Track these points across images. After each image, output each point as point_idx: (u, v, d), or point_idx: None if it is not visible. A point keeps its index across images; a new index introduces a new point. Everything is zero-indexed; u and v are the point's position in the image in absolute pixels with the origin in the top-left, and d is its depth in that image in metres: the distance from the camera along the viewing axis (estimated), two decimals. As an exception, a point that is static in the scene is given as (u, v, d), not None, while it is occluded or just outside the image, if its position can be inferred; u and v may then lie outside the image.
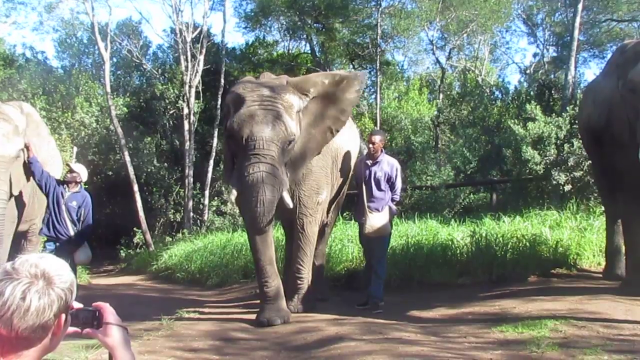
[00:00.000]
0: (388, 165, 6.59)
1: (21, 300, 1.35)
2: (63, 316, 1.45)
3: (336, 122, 6.17)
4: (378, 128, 17.17)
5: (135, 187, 16.12)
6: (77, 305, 1.59)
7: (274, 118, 5.32)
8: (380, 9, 17.55)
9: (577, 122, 9.98)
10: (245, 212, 5.21)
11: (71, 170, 6.85)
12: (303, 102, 5.85)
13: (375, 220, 6.36)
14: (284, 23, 19.69)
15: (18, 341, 1.38)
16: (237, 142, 5.31)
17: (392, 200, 6.62)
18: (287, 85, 5.81)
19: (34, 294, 1.37)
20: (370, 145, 6.55)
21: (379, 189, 6.49)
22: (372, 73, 20.17)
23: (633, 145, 5.62)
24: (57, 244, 6.70)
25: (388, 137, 19.11)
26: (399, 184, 6.66)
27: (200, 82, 17.70)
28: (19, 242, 6.86)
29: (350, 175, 7.07)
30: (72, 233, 6.77)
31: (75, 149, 12.55)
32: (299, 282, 6.41)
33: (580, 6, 13.36)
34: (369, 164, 6.56)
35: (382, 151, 6.64)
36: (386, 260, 6.83)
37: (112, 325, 1.65)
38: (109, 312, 1.67)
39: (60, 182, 6.88)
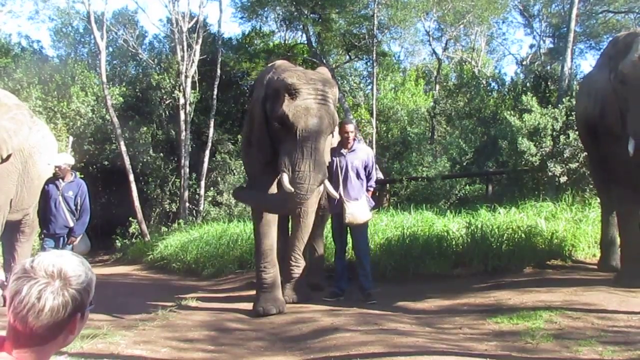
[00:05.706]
0: (365, 153, 6.55)
1: (36, 300, 1.39)
2: (78, 315, 1.47)
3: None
4: (373, 119, 17.17)
5: (131, 177, 16.09)
6: None
7: (325, 112, 5.50)
8: (376, 0, 17.47)
9: (573, 113, 9.98)
10: (290, 193, 5.42)
11: (58, 166, 6.85)
12: None
13: (356, 209, 6.26)
14: (280, 13, 19.56)
15: (32, 337, 1.42)
16: (288, 130, 5.44)
17: (368, 188, 6.58)
18: (331, 78, 5.98)
19: (48, 295, 1.39)
20: (345, 135, 6.46)
21: (358, 177, 6.43)
22: (369, 64, 20.15)
23: (625, 136, 5.65)
24: (55, 238, 6.73)
25: (384, 128, 19.18)
26: (374, 172, 6.65)
27: (197, 72, 17.66)
28: (13, 232, 6.81)
29: None
30: (71, 223, 6.80)
31: (71, 138, 12.48)
32: (294, 270, 6.48)
33: (577, -3, 13.30)
34: (344, 153, 6.45)
35: (355, 139, 6.60)
36: (369, 249, 6.81)
37: None
38: None
39: (54, 177, 6.87)
